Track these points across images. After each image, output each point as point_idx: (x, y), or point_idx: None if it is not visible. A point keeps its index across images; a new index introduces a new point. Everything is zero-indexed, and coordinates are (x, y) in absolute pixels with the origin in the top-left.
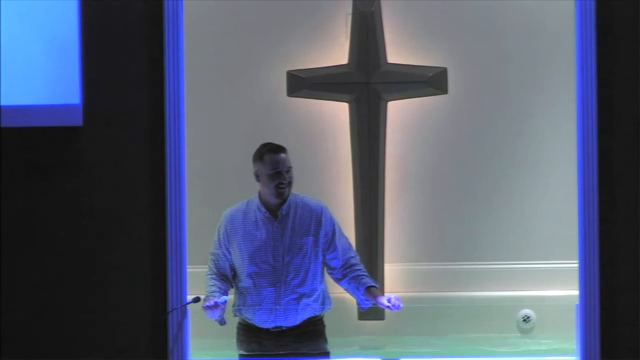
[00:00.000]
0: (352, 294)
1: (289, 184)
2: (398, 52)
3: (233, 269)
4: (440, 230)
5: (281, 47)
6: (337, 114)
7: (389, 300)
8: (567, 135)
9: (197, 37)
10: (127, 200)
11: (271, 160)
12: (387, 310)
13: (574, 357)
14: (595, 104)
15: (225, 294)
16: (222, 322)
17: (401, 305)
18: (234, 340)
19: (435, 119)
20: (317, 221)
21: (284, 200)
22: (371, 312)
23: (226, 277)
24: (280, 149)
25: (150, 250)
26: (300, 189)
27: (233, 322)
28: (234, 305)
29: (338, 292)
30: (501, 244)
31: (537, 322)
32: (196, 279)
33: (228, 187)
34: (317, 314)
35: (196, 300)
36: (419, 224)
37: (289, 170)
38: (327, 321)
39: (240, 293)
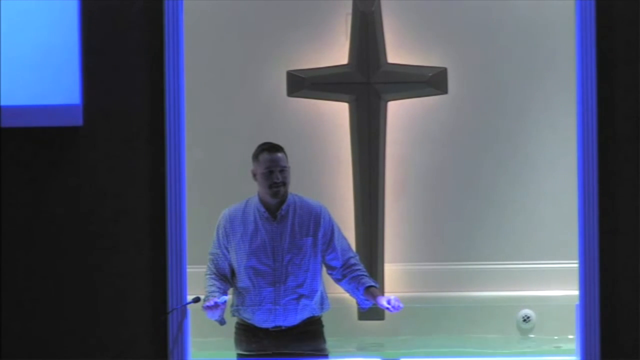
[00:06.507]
0: (352, 294)
1: (283, 184)
2: (398, 52)
3: (232, 269)
4: (440, 230)
5: (281, 47)
6: (337, 114)
7: (388, 302)
8: (567, 135)
9: (197, 37)
10: (127, 200)
11: (264, 159)
12: (387, 311)
13: (574, 357)
14: (595, 103)
15: (225, 293)
16: (222, 322)
17: (401, 305)
18: (233, 340)
19: (435, 119)
20: (315, 221)
21: (283, 200)
22: (371, 312)
23: (225, 277)
24: (275, 148)
25: (150, 251)
26: (300, 189)
27: (233, 321)
28: (232, 305)
29: (338, 292)
30: (501, 243)
31: (537, 322)
32: (196, 279)
33: (228, 187)
34: (316, 314)
35: (196, 300)
36: (419, 224)
37: (283, 169)
38: (327, 321)
39: (238, 293)
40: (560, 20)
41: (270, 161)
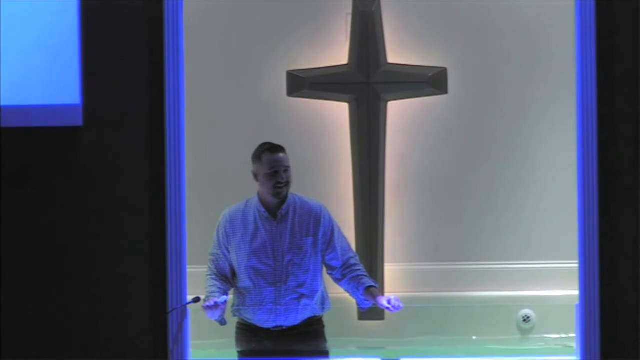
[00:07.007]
0: (352, 294)
1: (287, 183)
2: (398, 52)
3: (233, 269)
4: (440, 230)
5: (281, 47)
6: (337, 114)
7: (388, 302)
8: (567, 134)
9: (197, 37)
10: (127, 200)
11: (268, 160)
12: (387, 311)
13: (574, 357)
14: (595, 103)
15: (226, 294)
16: (222, 322)
17: (401, 305)
18: (234, 340)
19: (435, 118)
20: (316, 221)
21: (283, 201)
22: (371, 312)
23: (226, 277)
24: (278, 148)
25: (150, 251)
26: (300, 189)
27: (233, 322)
28: (233, 306)
29: (338, 292)
30: (501, 244)
31: (537, 322)
32: (196, 279)
33: (228, 187)
34: (317, 314)
35: (196, 300)
36: (419, 224)
37: (286, 169)
38: (327, 321)
39: (239, 293)
40: (560, 20)
41: (274, 161)
